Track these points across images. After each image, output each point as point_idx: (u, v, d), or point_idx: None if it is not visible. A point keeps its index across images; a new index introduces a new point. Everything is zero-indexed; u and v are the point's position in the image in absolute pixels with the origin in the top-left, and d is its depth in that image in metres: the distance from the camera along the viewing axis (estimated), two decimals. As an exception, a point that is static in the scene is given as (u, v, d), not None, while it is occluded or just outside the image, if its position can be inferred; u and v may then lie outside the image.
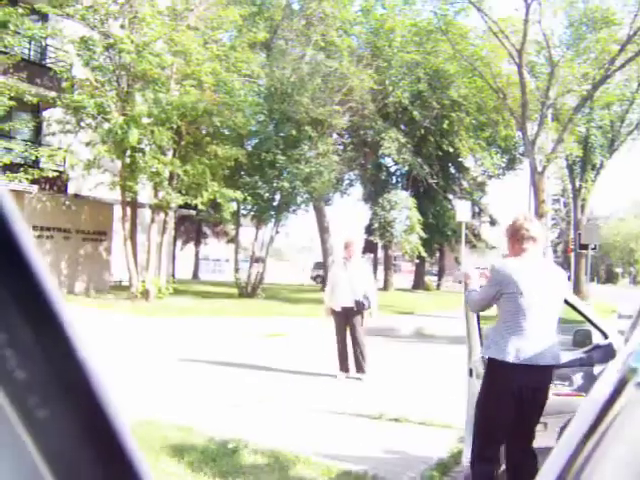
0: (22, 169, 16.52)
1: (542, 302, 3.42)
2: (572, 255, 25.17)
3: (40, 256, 0.49)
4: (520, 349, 3.36)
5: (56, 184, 19.77)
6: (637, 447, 0.81)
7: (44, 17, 18.01)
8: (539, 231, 3.59)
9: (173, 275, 25.37)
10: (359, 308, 8.00)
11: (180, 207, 19.88)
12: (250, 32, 19.52)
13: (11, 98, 12.54)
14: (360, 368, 8.08)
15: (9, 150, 16.95)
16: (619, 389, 1.05)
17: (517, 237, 3.54)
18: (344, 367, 8.15)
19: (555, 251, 36.85)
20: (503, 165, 32.81)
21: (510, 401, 3.41)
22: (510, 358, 3.35)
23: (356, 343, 8.06)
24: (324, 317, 8.51)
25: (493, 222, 36.08)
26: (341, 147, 27.12)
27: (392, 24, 26.79)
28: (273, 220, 22.96)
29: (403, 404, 6.26)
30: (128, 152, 16.98)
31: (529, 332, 3.39)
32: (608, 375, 1.97)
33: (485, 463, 3.52)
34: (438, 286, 35.41)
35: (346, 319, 8.09)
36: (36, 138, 19.93)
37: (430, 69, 27.29)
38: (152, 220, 19.15)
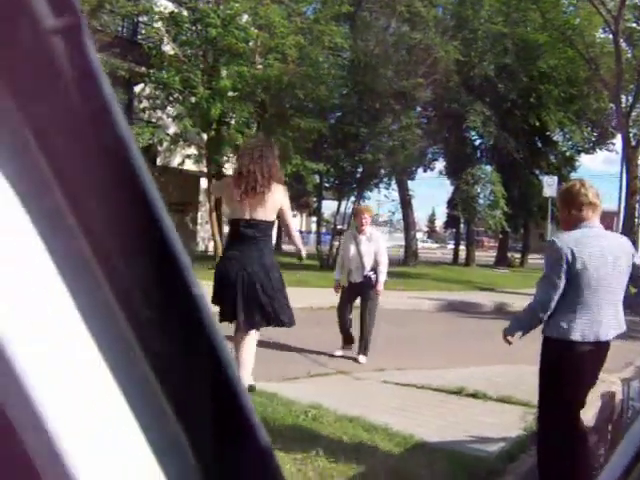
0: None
1: (610, 275, 3.26)
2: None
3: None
4: (589, 327, 3.26)
5: (146, 156, 20.43)
6: None
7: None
8: (598, 197, 3.36)
9: (256, 246, 25.86)
10: (368, 283, 7.37)
11: (264, 180, 20.15)
12: (334, 4, 19.41)
13: (105, 74, 13.00)
14: (362, 349, 7.46)
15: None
16: None
17: (575, 204, 3.32)
18: (347, 341, 7.64)
19: (647, 229, 35.24)
20: (594, 139, 31.54)
21: (579, 381, 3.37)
22: (579, 337, 3.25)
23: (363, 322, 7.44)
24: (335, 293, 7.85)
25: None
26: (425, 120, 26.73)
27: (480, -6, 26.01)
28: (355, 193, 23.00)
29: (482, 380, 6.24)
30: (213, 125, 17.36)
31: (598, 308, 3.27)
32: None
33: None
34: (522, 263, 34.60)
35: (355, 295, 7.57)
36: (128, 111, 20.64)
37: (518, 40, 26.37)
38: (236, 192, 19.54)
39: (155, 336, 0.52)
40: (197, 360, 0.54)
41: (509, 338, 3.58)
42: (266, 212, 4.58)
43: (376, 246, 7.46)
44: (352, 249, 7.46)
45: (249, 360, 4.75)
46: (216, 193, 5.45)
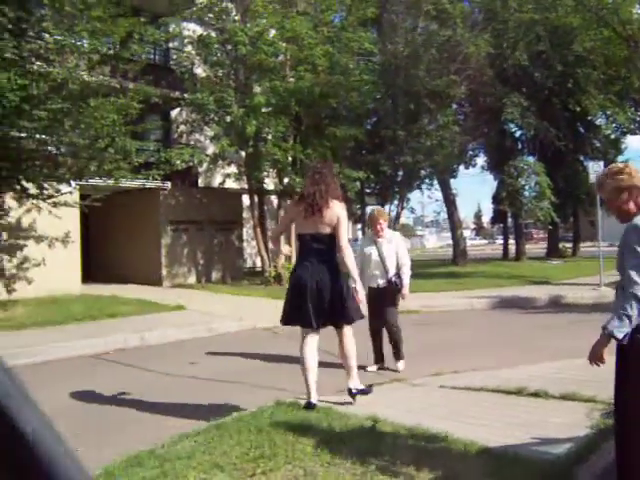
0: (154, 166, 17.41)
1: None
2: None
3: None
4: None
5: (187, 179, 20.72)
6: None
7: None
8: None
9: (303, 258, 25.92)
10: (393, 288, 7.13)
11: (305, 191, 20.22)
12: (359, 10, 19.36)
13: (140, 102, 13.23)
14: (398, 356, 7.33)
15: (143, 150, 17.91)
16: None
17: (629, 188, 3.20)
18: (377, 358, 7.40)
19: None
20: (639, 119, 30.64)
21: None
22: None
23: (390, 329, 7.25)
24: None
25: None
26: (462, 117, 26.40)
27: (507, -17, 25.57)
28: (398, 196, 22.84)
29: (543, 377, 6.06)
30: (250, 142, 17.48)
31: None
32: None
33: None
34: (574, 252, 33.82)
35: (381, 301, 7.21)
36: (167, 136, 20.96)
37: (550, 26, 25.82)
38: (279, 206, 19.66)
39: None
40: None
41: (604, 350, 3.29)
42: (326, 226, 5.29)
43: (397, 247, 7.26)
44: (373, 253, 7.21)
45: (351, 362, 5.48)
46: (286, 220, 5.41)
